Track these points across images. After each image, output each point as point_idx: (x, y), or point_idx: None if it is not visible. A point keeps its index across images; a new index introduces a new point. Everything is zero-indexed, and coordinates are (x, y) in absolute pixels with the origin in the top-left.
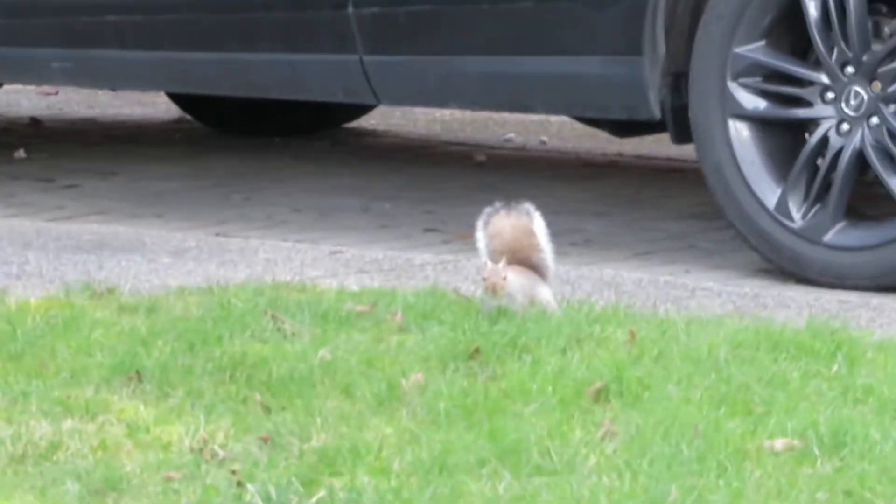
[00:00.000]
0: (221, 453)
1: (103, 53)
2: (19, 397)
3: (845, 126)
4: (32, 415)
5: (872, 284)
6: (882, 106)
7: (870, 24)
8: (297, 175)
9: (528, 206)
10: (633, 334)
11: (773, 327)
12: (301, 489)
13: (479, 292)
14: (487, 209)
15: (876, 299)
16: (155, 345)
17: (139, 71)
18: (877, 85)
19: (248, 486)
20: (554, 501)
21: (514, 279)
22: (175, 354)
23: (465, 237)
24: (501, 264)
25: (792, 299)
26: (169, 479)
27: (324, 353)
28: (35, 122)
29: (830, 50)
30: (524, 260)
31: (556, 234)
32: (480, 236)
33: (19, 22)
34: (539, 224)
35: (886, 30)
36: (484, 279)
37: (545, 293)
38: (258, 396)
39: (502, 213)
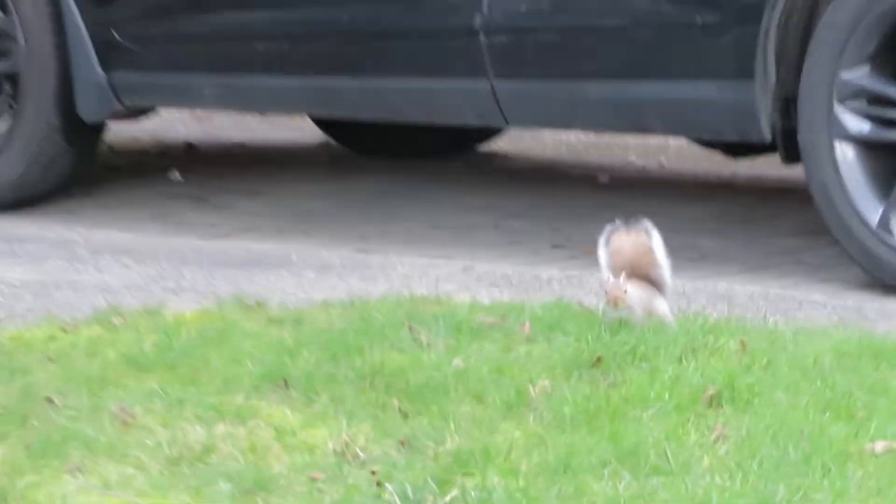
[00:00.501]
0: (362, 455)
1: (251, 79)
2: (175, 404)
3: None
4: (187, 420)
5: None
6: None
7: None
8: (432, 195)
9: (647, 224)
10: (744, 344)
11: (875, 338)
12: (436, 489)
13: (601, 305)
14: (608, 227)
15: None
16: (301, 354)
17: (285, 96)
18: None
19: (387, 485)
20: (670, 500)
21: (634, 292)
22: (319, 363)
23: (590, 253)
24: (622, 278)
25: (893, 312)
26: (314, 480)
27: (457, 361)
28: (189, 146)
29: None
30: (643, 275)
31: (673, 249)
32: (602, 252)
33: (174, 49)
34: (657, 241)
35: None
36: (606, 292)
37: (662, 306)
38: (396, 402)
39: (622, 230)
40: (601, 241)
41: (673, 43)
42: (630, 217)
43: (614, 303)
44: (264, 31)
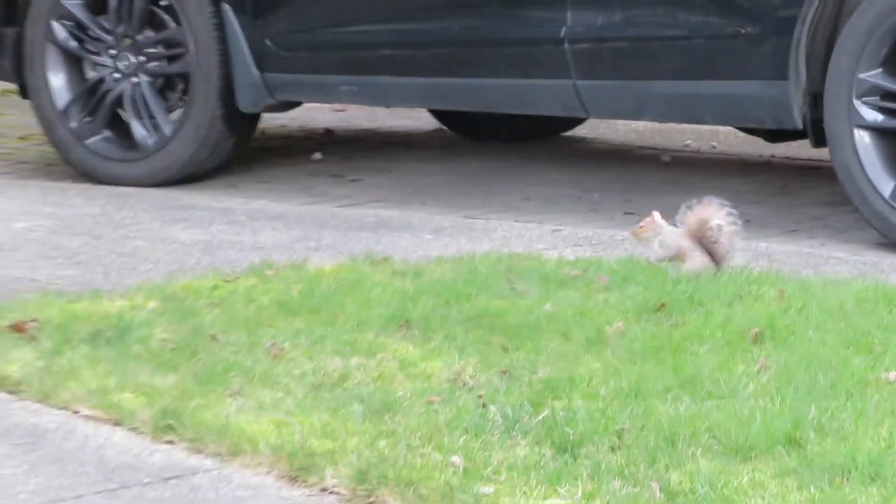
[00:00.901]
0: (470, 382)
1: (380, 79)
2: (317, 340)
3: None
4: (327, 353)
5: None
6: None
7: None
8: (526, 172)
9: (719, 201)
10: (782, 292)
11: (889, 286)
12: (530, 409)
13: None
14: (689, 202)
15: None
16: (419, 300)
17: (407, 92)
18: None
19: (491, 406)
20: (721, 419)
21: (668, 239)
22: (435, 308)
23: (653, 220)
24: (654, 218)
25: None
26: (430, 402)
27: (547, 306)
28: (328, 132)
29: None
30: (701, 240)
31: None
32: (679, 220)
33: (316, 55)
34: (722, 216)
35: None
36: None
37: (690, 263)
38: (497, 339)
39: (698, 205)
40: (680, 211)
41: (722, 50)
42: (688, 190)
43: (637, 235)
44: (390, 40)
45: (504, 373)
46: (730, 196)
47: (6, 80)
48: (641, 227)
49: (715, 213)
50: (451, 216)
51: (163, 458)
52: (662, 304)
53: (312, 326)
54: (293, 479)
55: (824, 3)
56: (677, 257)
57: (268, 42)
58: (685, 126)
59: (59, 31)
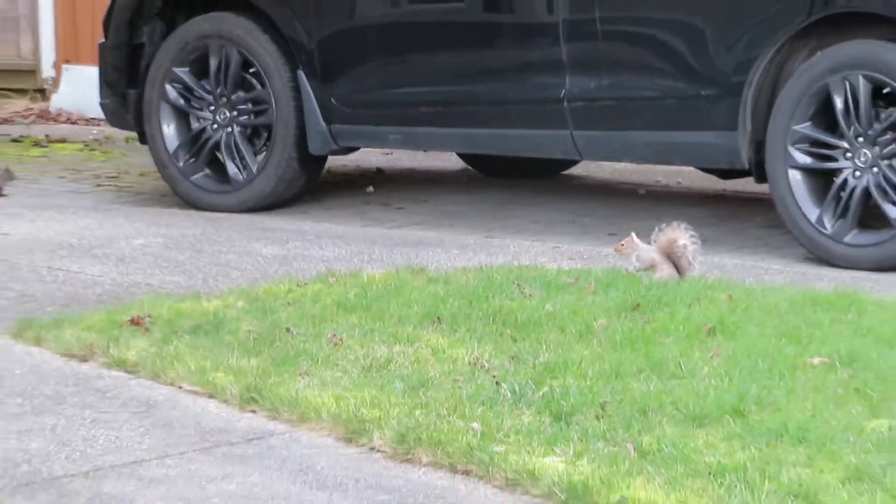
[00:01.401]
0: (486, 365)
1: (420, 129)
2: (368, 332)
3: (858, 173)
4: (376, 342)
5: (873, 267)
6: (880, 161)
7: (872, 111)
8: (533, 202)
9: (684, 225)
10: (730, 296)
11: (814, 291)
12: (533, 386)
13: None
14: (661, 226)
15: (875, 276)
16: (448, 301)
17: (441, 139)
18: (877, 149)
19: (502, 384)
20: (682, 394)
21: (643, 254)
22: (460, 307)
23: (632, 240)
24: (632, 238)
25: (824, 276)
26: (456, 381)
27: (548, 306)
28: (379, 171)
29: (849, 127)
30: (669, 255)
31: None
32: (652, 242)
33: (371, 111)
34: (686, 237)
35: (882, 115)
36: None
37: (660, 273)
38: (508, 332)
39: (667, 228)
40: (653, 234)
41: (687, 107)
42: (660, 218)
43: (619, 251)
44: (428, 99)
45: (513, 358)
46: (691, 221)
47: (129, 129)
48: (622, 245)
49: (680, 235)
50: (474, 236)
51: (247, 424)
52: (637, 305)
53: (364, 321)
54: (348, 440)
55: (765, 72)
56: (650, 269)
57: (333, 101)
58: (657, 167)
59: (171, 92)
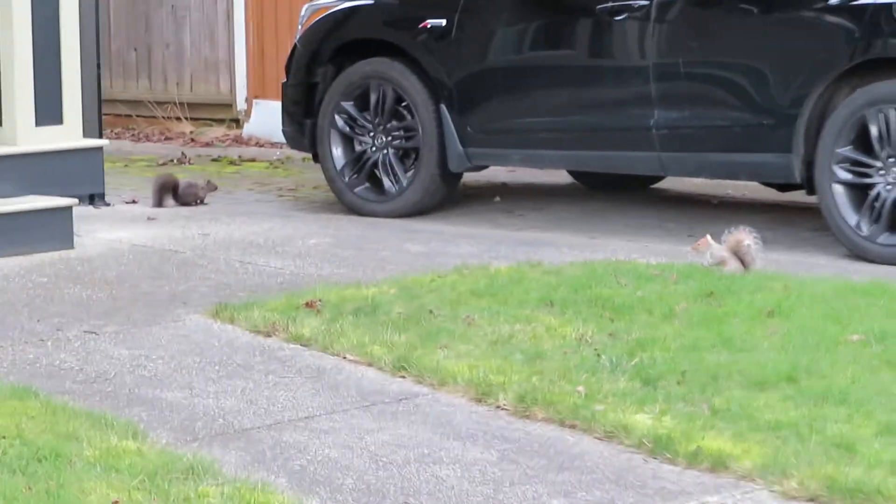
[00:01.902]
0: (590, 341)
1: (538, 152)
2: (495, 314)
3: (889, 186)
4: (500, 322)
5: None
6: None
7: None
8: (627, 209)
9: (748, 229)
10: (785, 286)
11: (853, 282)
12: (627, 358)
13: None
14: (729, 229)
15: None
16: (559, 289)
17: (555, 160)
18: None
19: (602, 356)
20: (747, 364)
21: (715, 252)
22: (568, 293)
23: (706, 240)
24: (706, 239)
25: (862, 270)
26: (565, 353)
27: (639, 293)
28: (504, 185)
29: (882, 149)
30: (736, 253)
31: None
32: (722, 241)
33: (498, 137)
34: (750, 238)
35: None
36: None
37: (729, 266)
38: (607, 314)
39: (734, 231)
40: (723, 235)
41: (751, 134)
42: (730, 224)
43: (695, 249)
44: (545, 127)
45: (610, 335)
46: (754, 225)
47: (305, 151)
48: (699, 244)
49: (745, 236)
50: (580, 237)
51: (398, 387)
52: (711, 292)
53: (492, 305)
54: (478, 401)
55: (815, 106)
56: (721, 263)
57: (468, 128)
58: (727, 181)
59: (339, 121)
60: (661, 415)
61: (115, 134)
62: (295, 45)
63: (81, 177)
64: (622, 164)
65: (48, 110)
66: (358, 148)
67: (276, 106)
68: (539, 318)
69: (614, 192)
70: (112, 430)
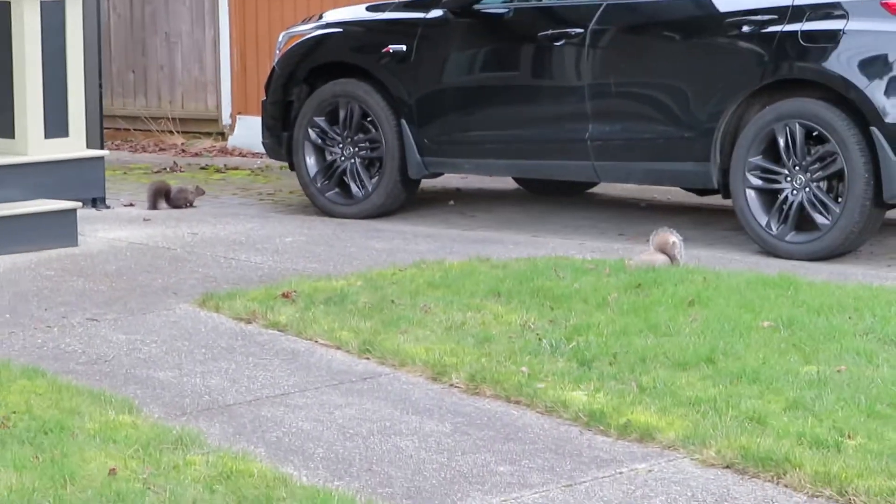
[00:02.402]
0: (533, 326)
1: (487, 161)
2: (448, 303)
3: (795, 192)
4: (454, 310)
5: (807, 258)
6: (811, 183)
7: (805, 148)
8: (566, 212)
9: (672, 230)
10: (705, 278)
11: (764, 275)
12: (565, 342)
13: (637, 261)
14: (655, 230)
15: (807, 265)
16: (506, 281)
17: (502, 168)
18: (808, 175)
19: (543, 340)
20: (671, 347)
21: (649, 257)
22: (514, 285)
23: (636, 238)
24: (650, 251)
25: (772, 264)
26: (510, 338)
27: (576, 285)
28: (457, 190)
29: (788, 159)
30: (663, 250)
31: None
32: (650, 240)
33: (452, 147)
34: (675, 236)
35: (812, 150)
36: (640, 259)
37: (657, 262)
38: (548, 303)
39: (660, 231)
40: (651, 236)
41: (675, 145)
42: (656, 225)
43: (644, 263)
44: (493, 139)
45: (551, 321)
46: (677, 225)
47: (282, 160)
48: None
49: (670, 236)
50: (524, 235)
51: (363, 367)
52: (639, 284)
53: (446, 295)
54: (434, 379)
55: (730, 120)
56: (649, 261)
57: (426, 140)
58: (653, 187)
59: (312, 134)
60: (595, 392)
61: (115, 145)
62: (273, 67)
63: (85, 183)
64: (561, 171)
65: (56, 125)
66: (329, 157)
67: (257, 121)
68: (488, 307)
69: (554, 196)
70: (110, 405)
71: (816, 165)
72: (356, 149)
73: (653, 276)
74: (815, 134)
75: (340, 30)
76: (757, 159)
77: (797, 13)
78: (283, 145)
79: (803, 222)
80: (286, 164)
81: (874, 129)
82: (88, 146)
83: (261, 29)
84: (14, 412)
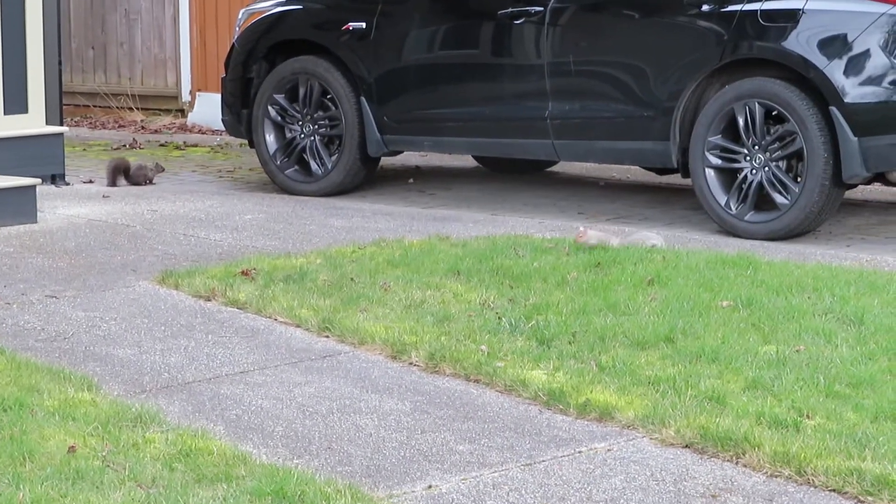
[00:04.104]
0: (492, 305)
1: (446, 139)
2: (408, 281)
3: (754, 171)
4: (413, 288)
5: (765, 237)
6: (770, 163)
7: (764, 128)
8: (525, 190)
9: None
10: (664, 258)
11: (723, 254)
12: (525, 321)
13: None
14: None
15: (766, 244)
16: (465, 260)
17: (461, 146)
18: (767, 154)
19: (503, 318)
20: (630, 326)
21: (593, 234)
22: (473, 264)
23: (595, 216)
24: (582, 229)
25: (731, 244)
26: (470, 315)
27: (536, 264)
28: (417, 168)
29: (748, 138)
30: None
31: (629, 216)
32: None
33: (411, 125)
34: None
35: (771, 130)
36: (575, 237)
37: (610, 240)
38: (507, 282)
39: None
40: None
41: (634, 124)
42: (616, 201)
43: (577, 241)
44: (452, 117)
45: (510, 300)
46: (636, 203)
47: (242, 137)
48: (580, 236)
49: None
50: (484, 214)
51: (322, 345)
52: (598, 263)
53: (406, 273)
54: (394, 358)
55: (690, 100)
56: (601, 242)
57: (385, 118)
58: (613, 166)
59: (272, 111)
60: (555, 371)
61: (75, 122)
62: (233, 44)
63: (44, 159)
64: (520, 150)
65: (15, 101)
66: (288, 135)
67: (216, 98)
68: (447, 286)
69: (514, 174)
70: (69, 382)
71: (776, 145)
72: (316, 126)
73: (612, 256)
74: (774, 113)
75: (300, 6)
76: (716, 138)
77: None
78: (242, 122)
79: (762, 202)
80: (246, 141)
81: (833, 109)
82: (48, 122)
83: (220, 6)
84: None
